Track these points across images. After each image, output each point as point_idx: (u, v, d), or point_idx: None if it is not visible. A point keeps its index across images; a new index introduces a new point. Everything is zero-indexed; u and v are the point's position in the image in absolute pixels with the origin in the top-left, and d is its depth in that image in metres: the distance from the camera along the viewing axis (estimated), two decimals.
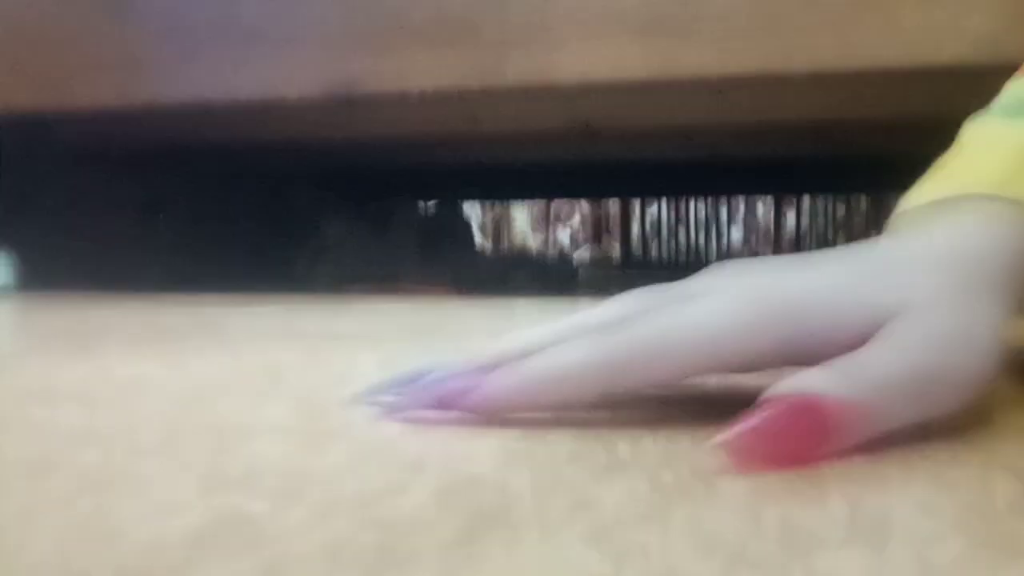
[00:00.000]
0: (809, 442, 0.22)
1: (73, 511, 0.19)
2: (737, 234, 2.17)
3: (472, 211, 2.55)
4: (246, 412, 0.30)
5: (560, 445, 0.25)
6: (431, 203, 2.09)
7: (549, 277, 1.67)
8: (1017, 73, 0.38)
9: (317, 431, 0.27)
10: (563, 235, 2.80)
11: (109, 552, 0.16)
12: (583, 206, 2.78)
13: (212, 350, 0.52)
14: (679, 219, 2.46)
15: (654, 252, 2.25)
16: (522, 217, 2.83)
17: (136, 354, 0.49)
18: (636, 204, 2.56)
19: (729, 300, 0.25)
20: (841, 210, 2.02)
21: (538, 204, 2.82)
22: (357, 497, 0.20)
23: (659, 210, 2.56)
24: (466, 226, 2.06)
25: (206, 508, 0.19)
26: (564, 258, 2.29)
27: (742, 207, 2.27)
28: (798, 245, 1.99)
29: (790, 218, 2.04)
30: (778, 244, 2.08)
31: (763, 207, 2.14)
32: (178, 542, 0.17)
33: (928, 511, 0.19)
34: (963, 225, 0.29)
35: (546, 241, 2.81)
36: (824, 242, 1.97)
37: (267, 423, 0.28)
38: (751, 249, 2.13)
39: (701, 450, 0.24)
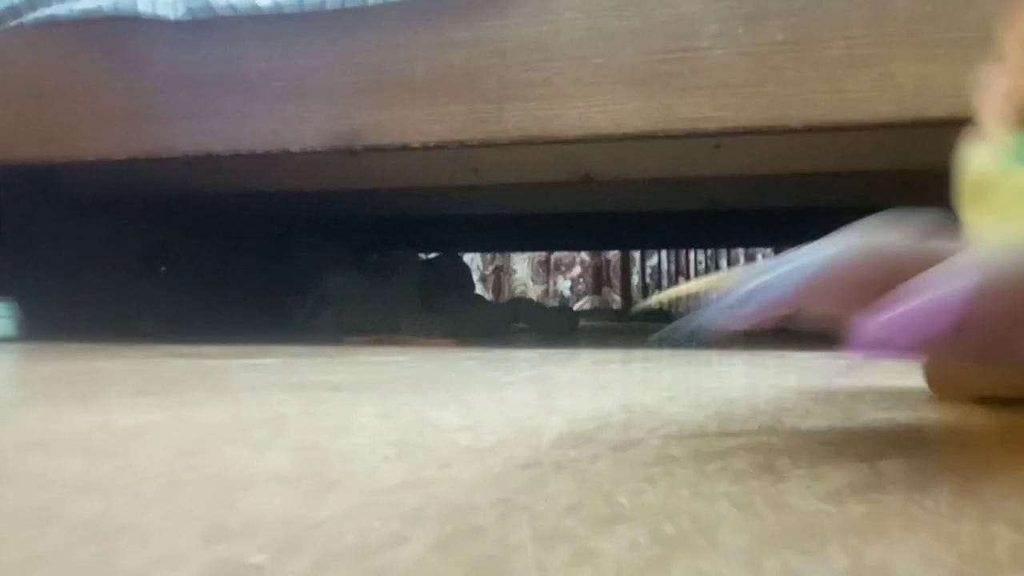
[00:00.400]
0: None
1: (73, 562, 0.19)
2: None
3: (473, 262, 2.56)
4: (246, 462, 0.30)
5: (560, 496, 0.25)
6: (432, 254, 2.10)
7: (550, 327, 1.67)
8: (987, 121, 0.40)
9: (317, 481, 0.27)
10: (563, 285, 2.81)
11: None
12: (583, 256, 2.80)
13: (213, 400, 0.52)
14: (679, 269, 2.48)
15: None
16: (522, 268, 2.84)
17: (137, 404, 0.49)
18: (636, 255, 2.57)
19: None
20: None
21: (538, 255, 2.83)
22: (357, 548, 0.20)
23: (659, 260, 2.57)
24: (467, 276, 2.06)
25: (206, 559, 0.19)
26: (565, 308, 2.30)
27: (742, 258, 2.28)
28: None
29: None
30: None
31: (762, 258, 2.15)
32: None
33: (929, 563, 0.19)
34: None
35: (546, 291, 2.81)
36: None
37: (267, 473, 0.28)
38: None
39: (701, 500, 0.24)
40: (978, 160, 0.38)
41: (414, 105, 1.11)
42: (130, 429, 0.40)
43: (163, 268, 1.50)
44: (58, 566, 0.19)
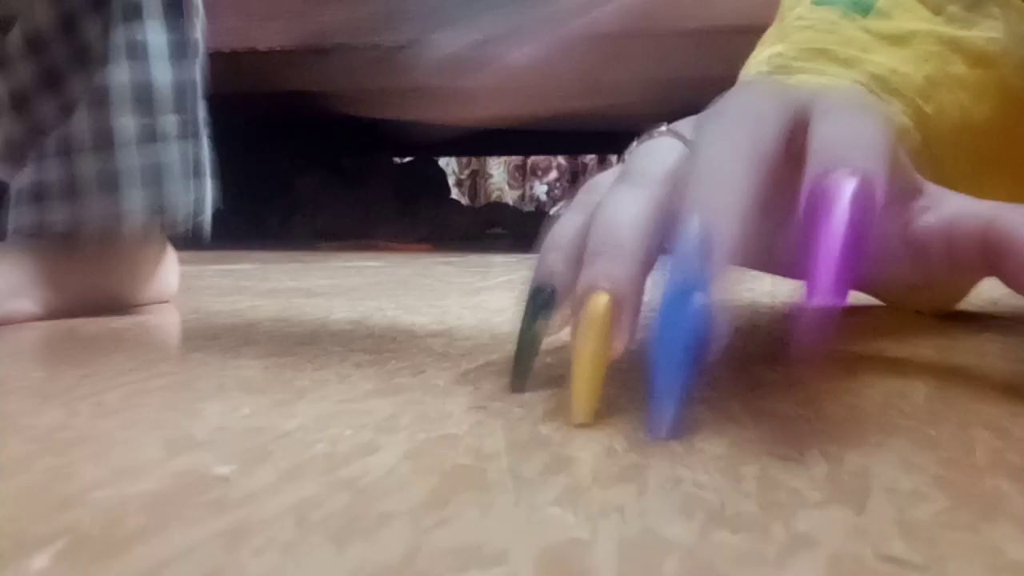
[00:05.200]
0: None
1: (31, 473, 0.18)
2: None
3: (448, 166, 2.53)
4: (214, 371, 0.30)
5: (535, 403, 0.24)
6: (407, 158, 2.06)
7: (526, 232, 1.66)
8: None
9: (287, 390, 0.26)
10: (540, 190, 2.78)
11: (67, 517, 0.16)
12: (560, 160, 2.77)
13: (182, 306, 0.51)
14: None
15: None
16: (498, 172, 2.81)
17: (104, 310, 0.47)
18: (613, 158, 2.54)
19: None
20: None
21: (514, 159, 2.80)
22: (327, 458, 0.19)
23: None
24: (442, 181, 2.04)
25: (170, 470, 0.18)
26: (541, 212, 2.28)
27: None
28: None
29: None
30: None
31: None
32: (140, 505, 0.16)
33: (909, 469, 0.19)
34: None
35: (523, 196, 2.79)
36: None
37: (236, 382, 0.28)
38: None
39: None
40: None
41: (386, 4, 1.07)
42: (94, 336, 0.39)
43: None
44: (16, 478, 0.18)
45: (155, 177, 0.46)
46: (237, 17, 1.09)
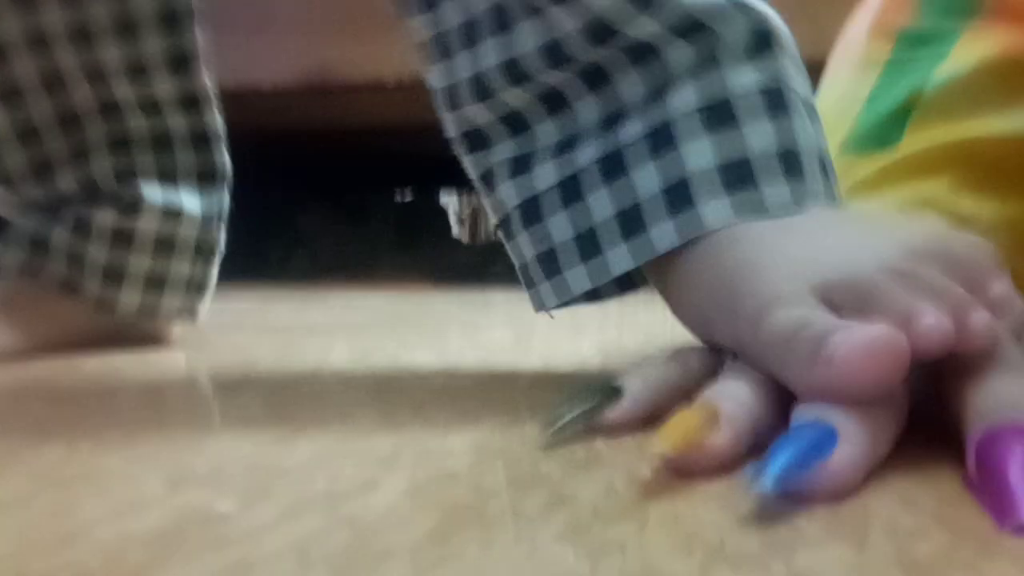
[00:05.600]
0: None
1: (33, 509, 0.18)
2: None
3: (449, 201, 2.54)
4: (216, 407, 0.30)
5: (536, 440, 0.24)
6: (408, 193, 2.07)
7: None
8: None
9: (288, 426, 0.26)
10: None
11: (68, 554, 0.16)
12: None
13: (183, 343, 0.51)
14: None
15: None
16: None
17: (103, 347, 0.48)
18: None
19: None
20: None
21: None
22: (328, 495, 0.19)
23: None
24: (443, 218, 2.05)
25: (171, 506, 0.18)
26: None
27: None
28: None
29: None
30: None
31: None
32: (141, 542, 0.16)
33: (909, 505, 0.19)
34: None
35: None
36: None
37: (237, 418, 0.28)
38: None
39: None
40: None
41: (387, 38, 1.08)
42: (95, 373, 0.39)
43: None
44: (17, 513, 0.18)
45: (160, 282, 0.48)
46: (241, 55, 1.10)
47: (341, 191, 2.04)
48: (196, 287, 0.49)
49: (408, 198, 2.06)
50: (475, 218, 2.86)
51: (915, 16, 0.40)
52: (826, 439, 0.19)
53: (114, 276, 0.47)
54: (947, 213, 0.33)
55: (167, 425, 0.27)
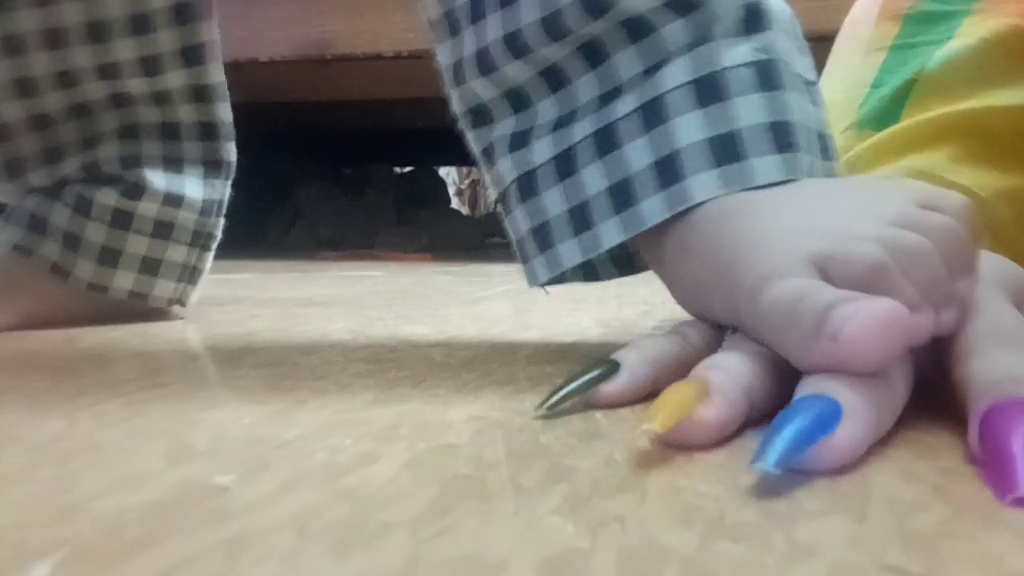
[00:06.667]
0: None
1: (32, 483, 0.18)
2: None
3: (448, 176, 2.53)
4: (214, 380, 0.30)
5: (535, 413, 0.24)
6: (407, 168, 2.07)
7: None
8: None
9: (287, 399, 0.26)
10: None
11: (67, 527, 0.16)
12: None
13: (182, 316, 0.51)
14: None
15: None
16: None
17: (104, 321, 0.48)
18: None
19: None
20: None
21: None
22: (327, 467, 0.19)
23: None
24: (442, 190, 2.04)
25: (170, 479, 0.18)
26: None
27: None
28: None
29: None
30: None
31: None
32: (140, 515, 0.16)
33: (909, 478, 0.19)
34: None
35: None
36: None
37: (236, 391, 0.28)
38: None
39: None
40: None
41: (387, 11, 1.07)
42: (93, 345, 0.39)
43: None
44: (16, 487, 0.18)
45: (155, 266, 0.48)
46: (238, 27, 1.09)
47: (340, 164, 2.04)
48: (190, 274, 0.49)
49: (407, 171, 2.06)
50: (474, 191, 2.85)
51: None
52: (830, 414, 0.19)
53: (110, 256, 0.46)
54: (944, 184, 0.33)
55: (166, 398, 0.27)
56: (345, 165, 2.02)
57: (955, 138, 0.36)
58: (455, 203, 2.53)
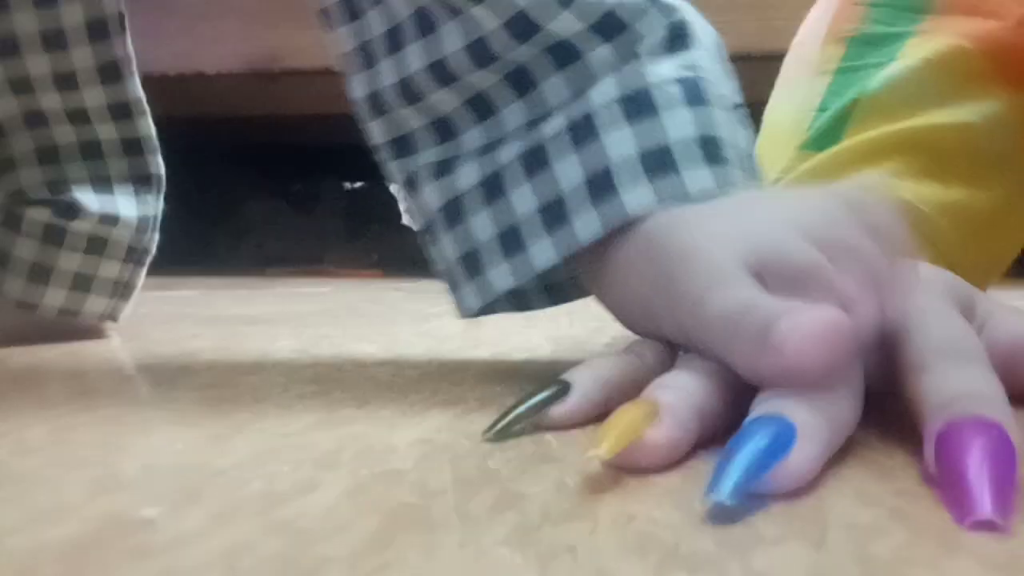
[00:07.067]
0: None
1: None
2: None
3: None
4: (147, 403, 0.28)
5: (484, 436, 0.23)
6: (357, 183, 2.05)
7: None
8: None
9: (224, 423, 0.25)
10: None
11: None
12: None
13: (120, 334, 0.49)
14: None
15: None
16: None
17: (35, 341, 0.46)
18: None
19: None
20: None
21: None
22: (262, 497, 0.18)
23: None
24: (393, 206, 2.02)
25: (92, 513, 0.17)
26: None
27: None
28: None
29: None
30: None
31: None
32: (57, 553, 0.15)
33: (865, 501, 0.18)
34: None
35: None
36: None
37: (169, 415, 0.26)
38: None
39: None
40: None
41: None
42: (22, 366, 0.37)
43: None
44: None
45: (87, 282, 0.46)
46: (185, 40, 1.07)
47: (288, 179, 2.01)
48: (122, 290, 0.47)
49: (357, 186, 2.03)
50: None
51: (865, 21, 0.39)
52: (784, 436, 0.19)
53: (41, 274, 0.45)
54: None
55: (95, 423, 0.25)
56: (294, 180, 2.00)
57: (896, 155, 0.36)
58: (406, 219, 2.51)
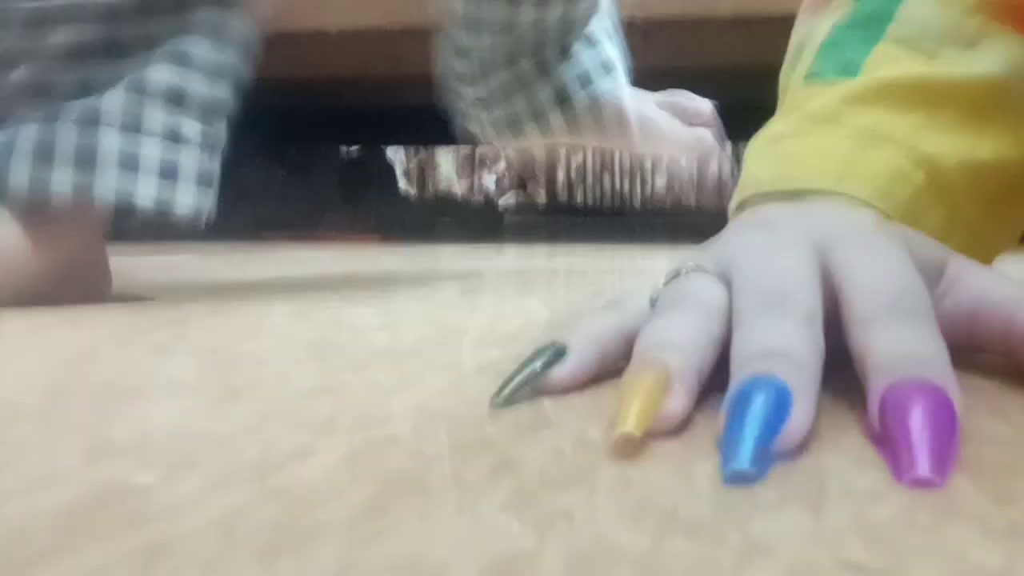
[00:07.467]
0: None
1: None
2: (661, 181, 2.17)
3: (396, 156, 2.50)
4: (143, 369, 0.28)
5: (481, 402, 0.23)
6: (353, 148, 2.03)
7: (474, 223, 1.65)
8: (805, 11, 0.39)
9: (220, 389, 0.25)
10: (489, 181, 2.77)
11: None
12: (509, 151, 2.76)
13: (116, 299, 0.49)
14: (604, 166, 2.47)
15: (579, 198, 2.25)
16: (447, 162, 2.80)
17: (29, 304, 0.45)
18: (562, 150, 2.55)
19: None
20: None
21: (463, 149, 2.78)
22: (258, 463, 0.18)
23: (585, 156, 2.56)
24: (389, 171, 2.02)
25: (87, 479, 0.17)
26: (489, 204, 2.28)
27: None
28: (721, 193, 2.01)
29: (713, 165, 2.05)
30: (701, 191, 2.10)
31: None
32: (51, 520, 0.15)
33: (864, 466, 0.18)
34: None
35: (471, 186, 2.78)
36: None
37: (165, 381, 0.26)
38: (674, 196, 2.14)
39: None
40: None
41: None
42: (18, 333, 0.37)
43: None
44: None
45: (172, 173, 0.45)
46: None
47: (284, 145, 2.00)
48: (206, 182, 0.46)
49: (353, 151, 2.02)
50: (422, 171, 2.82)
51: None
52: (783, 397, 0.19)
53: (129, 165, 0.43)
54: (907, 149, 0.33)
55: (91, 390, 0.25)
56: (289, 145, 1.98)
57: (923, 107, 0.35)
58: (402, 184, 2.51)
